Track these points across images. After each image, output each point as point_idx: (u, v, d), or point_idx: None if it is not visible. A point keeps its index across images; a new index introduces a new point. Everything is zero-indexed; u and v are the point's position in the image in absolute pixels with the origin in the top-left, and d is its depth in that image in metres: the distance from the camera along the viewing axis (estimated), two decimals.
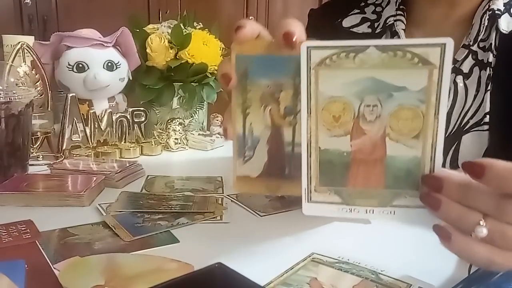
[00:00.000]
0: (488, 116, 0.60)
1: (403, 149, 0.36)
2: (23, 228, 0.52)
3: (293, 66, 0.41)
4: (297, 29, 0.41)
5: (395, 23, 0.67)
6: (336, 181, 0.39)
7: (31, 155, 0.81)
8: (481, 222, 0.34)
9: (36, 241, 0.50)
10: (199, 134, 1.02)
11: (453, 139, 0.63)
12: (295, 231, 0.55)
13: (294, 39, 0.40)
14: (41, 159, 0.84)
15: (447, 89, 0.34)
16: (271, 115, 0.44)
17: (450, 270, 0.45)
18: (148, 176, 0.77)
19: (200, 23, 1.08)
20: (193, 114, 1.08)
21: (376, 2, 0.72)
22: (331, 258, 0.47)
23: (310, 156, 0.39)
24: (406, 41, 0.35)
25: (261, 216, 0.60)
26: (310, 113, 0.38)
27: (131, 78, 1.02)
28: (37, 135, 0.88)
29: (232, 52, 0.43)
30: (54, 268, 0.44)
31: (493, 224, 0.34)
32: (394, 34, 0.68)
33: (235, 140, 0.45)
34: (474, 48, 0.62)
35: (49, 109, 0.92)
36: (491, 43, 0.61)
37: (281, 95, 0.43)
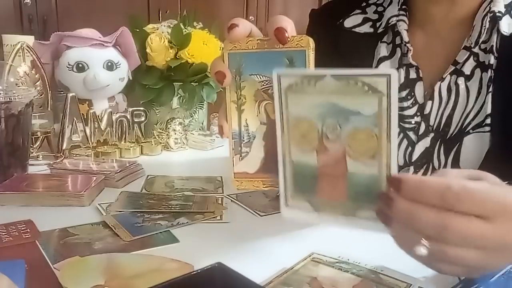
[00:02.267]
0: (489, 117, 0.60)
1: (362, 167, 0.39)
2: (23, 228, 0.52)
3: (285, 61, 0.43)
4: (289, 25, 0.42)
5: (397, 23, 0.66)
6: (307, 191, 0.42)
7: (31, 155, 0.81)
8: (423, 242, 0.36)
9: (36, 241, 0.50)
10: (199, 134, 1.02)
11: (454, 141, 0.63)
12: (295, 231, 0.55)
13: (286, 34, 0.42)
14: (41, 159, 0.84)
15: (396, 115, 0.36)
16: (266, 111, 0.44)
17: None
18: (148, 176, 0.77)
19: (200, 23, 1.08)
20: (193, 114, 1.08)
21: (377, 2, 0.72)
22: (331, 258, 0.47)
23: (285, 167, 0.42)
24: (356, 72, 0.37)
25: (261, 216, 0.60)
26: (283, 130, 0.41)
27: (131, 78, 1.02)
28: (37, 135, 0.88)
29: (225, 50, 0.44)
30: (54, 268, 0.44)
31: (434, 245, 0.36)
32: (397, 34, 0.67)
33: (231, 137, 0.46)
34: (476, 50, 0.62)
35: (49, 109, 0.92)
36: (492, 45, 0.61)
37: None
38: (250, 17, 3.04)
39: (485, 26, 0.60)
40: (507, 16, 0.60)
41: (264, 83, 0.44)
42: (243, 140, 0.46)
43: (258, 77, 0.44)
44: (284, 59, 0.43)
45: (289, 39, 0.42)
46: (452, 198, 0.35)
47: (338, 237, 0.54)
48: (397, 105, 0.36)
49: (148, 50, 0.99)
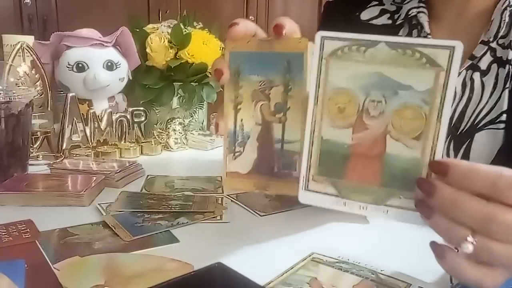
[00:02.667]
0: (504, 114, 0.59)
1: (403, 149, 0.36)
2: (23, 228, 0.52)
3: (284, 63, 0.42)
4: (289, 23, 0.42)
5: (418, 14, 0.66)
6: (334, 172, 0.39)
7: (31, 155, 0.81)
8: (468, 238, 0.34)
9: (36, 241, 0.50)
10: (199, 134, 1.02)
11: (465, 136, 0.62)
12: (295, 231, 0.55)
13: (282, 30, 0.41)
14: (41, 159, 0.84)
15: (452, 93, 0.34)
16: (262, 111, 0.44)
17: None
18: (148, 176, 0.77)
19: (200, 23, 1.08)
20: (193, 114, 1.08)
21: None
22: (331, 258, 0.47)
23: (312, 145, 0.39)
24: (416, 40, 0.35)
25: (261, 216, 0.60)
26: (317, 102, 0.38)
27: (131, 78, 1.02)
28: (37, 135, 0.88)
29: (226, 48, 0.44)
30: (54, 268, 0.44)
31: (480, 241, 0.34)
32: (414, 27, 0.67)
33: (226, 136, 0.45)
34: (493, 45, 0.61)
35: (49, 109, 0.92)
36: (510, 40, 0.60)
37: (271, 92, 0.43)
38: (250, 17, 3.03)
39: (504, 20, 0.60)
40: None
41: (262, 83, 0.44)
42: (237, 140, 0.45)
43: (257, 77, 0.44)
44: (282, 61, 0.43)
45: (285, 33, 0.41)
46: (504, 187, 0.33)
47: (338, 237, 0.54)
48: (455, 82, 0.34)
49: (148, 50, 0.99)
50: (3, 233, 0.51)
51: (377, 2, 0.72)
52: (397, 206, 0.38)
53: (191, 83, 1.03)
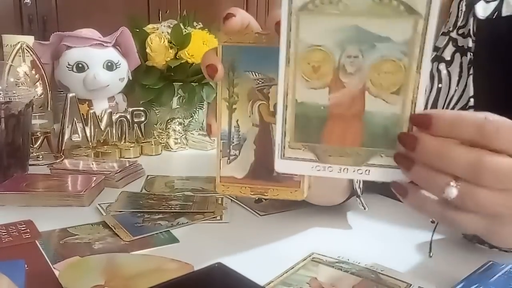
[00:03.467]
0: (472, 99, 0.61)
1: (382, 105, 0.35)
2: (23, 228, 0.52)
3: None
4: None
5: None
6: (311, 137, 0.37)
7: (31, 155, 0.81)
8: (452, 183, 0.33)
9: (36, 241, 0.50)
10: (199, 134, 1.02)
11: None
12: (295, 231, 0.55)
13: None
14: (41, 159, 0.84)
15: (432, 43, 0.33)
16: (260, 112, 0.41)
17: (450, 270, 0.45)
18: (148, 176, 0.77)
19: (200, 23, 1.08)
20: (193, 114, 1.08)
21: None
22: (331, 258, 0.47)
23: (286, 109, 0.37)
24: None
25: (261, 216, 0.60)
26: (289, 62, 0.36)
27: (131, 78, 1.02)
28: (37, 135, 0.88)
29: (219, 41, 0.40)
30: (54, 268, 0.44)
31: (465, 186, 0.33)
32: None
33: (220, 138, 0.42)
34: (454, 35, 0.63)
35: (49, 109, 0.92)
36: (469, 29, 0.62)
37: (270, 91, 0.40)
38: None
39: (461, 10, 0.62)
40: (482, 1, 0.61)
41: (260, 81, 0.40)
42: (233, 142, 0.42)
43: (254, 75, 0.40)
44: None
45: None
46: (490, 132, 0.32)
47: (338, 237, 0.54)
48: (434, 30, 0.32)
49: (148, 50, 0.99)
50: (3, 233, 0.51)
51: None
52: (378, 165, 0.36)
53: (191, 83, 1.03)
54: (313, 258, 0.47)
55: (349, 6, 0.33)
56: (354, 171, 0.37)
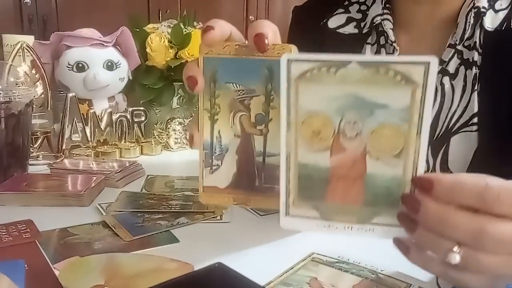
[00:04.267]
0: (476, 117, 0.60)
1: (384, 168, 0.35)
2: (23, 228, 0.52)
3: (265, 71, 0.39)
4: (270, 31, 0.39)
5: (382, 22, 0.65)
6: (315, 196, 0.38)
7: (31, 155, 0.81)
8: (455, 249, 0.34)
9: (36, 241, 0.50)
10: None
11: (441, 141, 0.62)
12: (295, 231, 0.55)
13: (266, 42, 0.38)
14: (41, 159, 0.84)
15: (430, 109, 0.34)
16: (241, 123, 0.41)
17: None
18: (148, 175, 0.77)
19: (200, 23, 1.08)
20: (193, 114, 1.08)
21: (360, 1, 0.70)
22: (331, 258, 0.47)
23: (289, 170, 0.38)
24: (389, 58, 0.33)
25: (261, 216, 0.60)
26: (290, 127, 0.37)
27: (131, 78, 1.01)
28: (37, 135, 0.88)
29: (200, 53, 0.41)
30: (54, 268, 0.44)
31: (467, 252, 0.33)
32: (381, 34, 0.66)
33: (202, 149, 0.42)
34: (460, 47, 0.61)
35: (49, 109, 0.92)
36: (475, 41, 0.60)
37: (251, 102, 0.41)
38: (250, 17, 3.04)
39: (469, 22, 0.60)
40: (491, 10, 0.59)
41: (241, 92, 0.41)
42: (215, 152, 0.42)
43: (235, 86, 0.41)
44: (263, 68, 0.39)
45: (269, 47, 0.38)
46: (491, 199, 0.32)
47: (338, 237, 0.54)
48: (432, 97, 0.33)
49: (148, 50, 0.99)
50: (3, 233, 0.51)
51: (343, 10, 0.71)
52: (382, 224, 0.37)
53: None
54: (313, 258, 0.47)
55: (346, 75, 0.34)
56: (358, 229, 0.37)
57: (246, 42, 0.41)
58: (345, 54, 0.34)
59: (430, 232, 0.35)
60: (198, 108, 0.42)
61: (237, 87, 0.41)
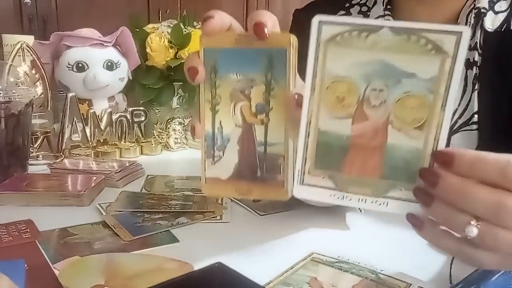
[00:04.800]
0: (476, 115, 0.60)
1: (405, 139, 0.35)
2: (23, 228, 0.52)
3: (265, 60, 0.39)
4: (270, 20, 0.39)
5: None
6: (332, 165, 0.37)
7: (31, 155, 0.81)
8: (472, 222, 0.34)
9: (36, 241, 0.50)
10: None
11: None
12: (295, 231, 0.55)
13: (265, 30, 0.38)
14: (41, 158, 0.84)
15: (458, 81, 0.33)
16: (242, 112, 0.41)
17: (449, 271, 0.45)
18: (148, 175, 0.77)
19: (200, 23, 1.08)
20: (193, 114, 1.08)
21: (360, 2, 0.71)
22: (331, 258, 0.47)
23: (308, 137, 0.37)
24: (422, 25, 0.33)
25: (261, 215, 0.60)
26: (314, 91, 0.36)
27: (131, 78, 1.02)
28: (37, 135, 0.88)
29: (200, 44, 0.41)
30: (54, 267, 0.44)
31: (485, 226, 0.34)
32: None
33: (203, 140, 0.42)
34: None
35: (49, 109, 0.92)
36: (476, 42, 0.60)
37: (252, 92, 0.41)
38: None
39: (470, 22, 0.60)
40: (491, 12, 0.60)
41: (242, 82, 0.41)
42: (216, 143, 0.42)
43: (235, 76, 0.41)
44: (263, 58, 0.40)
45: (268, 35, 0.38)
46: None
47: (338, 237, 0.54)
48: (461, 70, 0.32)
49: (148, 50, 0.99)
50: (3, 233, 0.51)
51: (344, 12, 0.71)
52: (397, 198, 0.36)
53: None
54: (313, 258, 0.47)
55: (377, 41, 0.34)
56: (372, 202, 0.37)
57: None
58: (377, 20, 0.33)
59: (447, 206, 0.35)
60: (199, 99, 0.42)
61: (237, 77, 0.41)
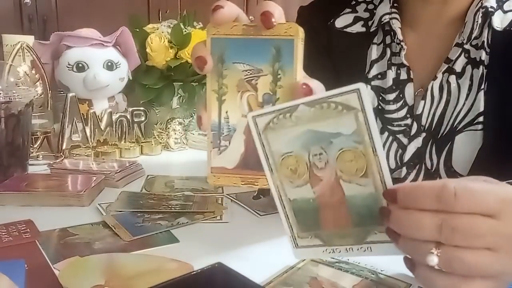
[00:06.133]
0: (481, 116, 0.60)
1: (358, 188, 0.38)
2: (23, 228, 0.52)
3: (272, 50, 0.40)
4: (276, 10, 0.40)
5: (390, 21, 0.66)
6: (313, 226, 0.40)
7: (31, 155, 0.81)
8: (432, 250, 0.34)
9: (36, 241, 0.50)
10: (199, 134, 1.02)
11: (446, 139, 0.62)
12: None
13: (272, 19, 0.39)
14: (41, 159, 0.84)
15: (376, 128, 0.36)
16: (248, 102, 0.42)
17: None
18: (148, 176, 0.77)
19: (200, 23, 1.08)
20: (193, 114, 1.08)
21: (367, 0, 0.71)
22: (331, 258, 0.47)
23: (285, 208, 0.41)
24: (326, 94, 0.36)
25: (261, 216, 0.60)
26: (272, 171, 0.39)
27: (131, 78, 1.02)
28: (37, 135, 0.88)
29: (208, 34, 0.41)
30: (54, 268, 0.44)
31: (444, 251, 0.34)
32: (388, 33, 0.66)
33: (210, 129, 0.43)
34: (467, 46, 0.61)
35: (49, 109, 0.92)
36: (483, 41, 0.60)
37: (258, 82, 0.41)
38: (250, 17, 3.03)
39: (477, 21, 0.60)
40: (499, 11, 0.60)
41: (248, 72, 0.41)
42: (223, 133, 0.43)
43: (242, 66, 0.41)
44: (270, 48, 0.40)
45: (275, 24, 0.39)
46: (448, 197, 0.33)
47: None
48: (373, 117, 0.36)
49: (148, 50, 0.99)
50: (3, 233, 0.51)
51: (351, 10, 0.71)
52: (376, 242, 0.39)
53: (191, 83, 1.03)
54: (313, 258, 0.47)
55: (300, 117, 0.37)
56: (358, 249, 0.40)
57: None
58: (293, 101, 0.37)
59: (410, 239, 0.36)
60: (205, 89, 0.43)
61: (244, 67, 0.41)
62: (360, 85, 0.35)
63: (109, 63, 0.96)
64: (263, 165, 0.40)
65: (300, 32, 0.40)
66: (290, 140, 0.38)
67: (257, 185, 0.43)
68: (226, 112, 0.42)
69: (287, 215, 0.41)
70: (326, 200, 0.39)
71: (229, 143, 0.43)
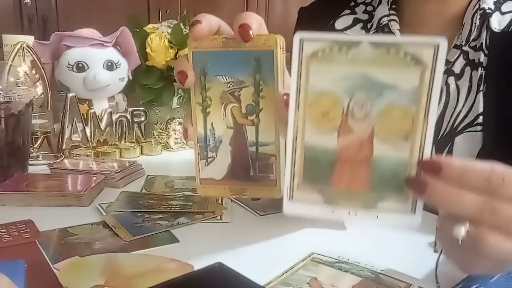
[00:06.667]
0: (481, 116, 0.60)
1: (391, 151, 0.35)
2: (23, 228, 0.52)
3: (252, 62, 0.40)
4: (254, 22, 0.39)
5: (389, 23, 0.66)
6: (320, 179, 0.37)
7: (31, 155, 0.81)
8: (461, 226, 0.34)
9: (36, 241, 0.50)
10: None
11: (446, 141, 0.62)
12: (295, 231, 0.55)
13: (250, 32, 0.39)
14: (41, 159, 0.84)
15: (438, 91, 0.34)
16: (233, 114, 0.42)
17: (450, 270, 0.45)
18: (148, 176, 0.77)
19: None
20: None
21: (366, 1, 0.71)
22: (331, 258, 0.47)
23: (295, 152, 0.37)
24: (400, 39, 0.34)
25: (261, 216, 0.60)
26: (298, 107, 0.36)
27: (131, 78, 1.01)
28: (37, 135, 0.88)
29: (189, 48, 0.42)
30: (54, 268, 0.44)
31: (475, 230, 0.34)
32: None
33: (196, 141, 0.43)
34: (466, 48, 0.61)
35: (49, 109, 0.92)
36: (482, 42, 0.60)
37: (241, 93, 0.41)
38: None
39: (475, 23, 0.60)
40: (497, 12, 0.60)
41: (231, 84, 0.41)
42: (209, 144, 0.43)
43: (224, 78, 0.41)
44: (251, 59, 0.40)
45: (253, 37, 0.39)
46: (497, 182, 0.33)
47: (338, 237, 0.54)
48: (440, 80, 0.33)
49: (148, 50, 0.99)
50: (3, 233, 0.51)
51: (350, 11, 0.71)
52: (387, 209, 0.36)
53: None
54: (313, 258, 0.47)
55: (358, 55, 0.34)
56: (362, 214, 0.37)
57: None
58: (357, 36, 0.34)
59: (442, 185, 0.35)
60: (190, 102, 0.43)
61: (226, 79, 0.41)
62: (441, 40, 0.33)
63: (109, 63, 0.96)
64: (291, 97, 0.36)
65: (280, 42, 0.40)
66: (335, 79, 0.35)
67: (245, 195, 0.43)
68: (212, 124, 0.43)
69: (294, 161, 0.37)
70: (348, 155, 0.36)
71: (216, 154, 0.43)
